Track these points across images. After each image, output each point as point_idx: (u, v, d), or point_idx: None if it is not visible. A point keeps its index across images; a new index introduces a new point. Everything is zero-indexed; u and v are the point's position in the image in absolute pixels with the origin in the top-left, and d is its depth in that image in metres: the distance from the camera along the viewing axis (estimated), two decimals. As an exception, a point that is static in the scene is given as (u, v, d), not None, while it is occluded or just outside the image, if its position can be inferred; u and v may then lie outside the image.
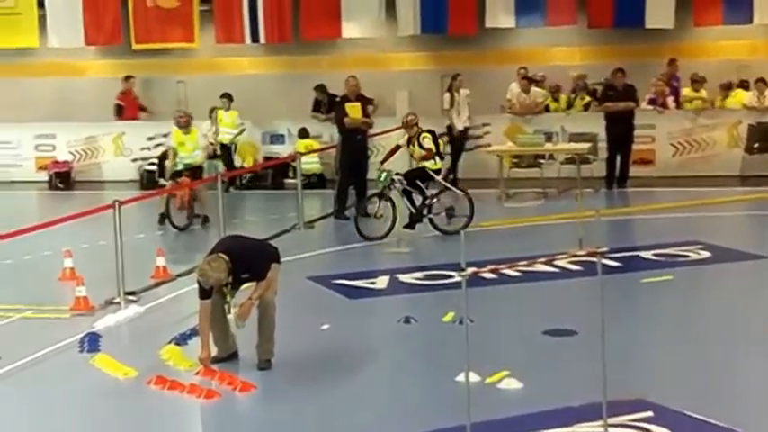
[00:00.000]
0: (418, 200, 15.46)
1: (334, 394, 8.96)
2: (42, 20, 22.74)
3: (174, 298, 12.44)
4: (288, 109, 23.32)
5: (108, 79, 25.04)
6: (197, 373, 9.40)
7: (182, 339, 10.51)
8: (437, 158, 15.48)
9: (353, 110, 17.77)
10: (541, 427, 7.80)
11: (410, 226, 15.31)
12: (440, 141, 15.97)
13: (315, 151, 21.31)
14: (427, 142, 15.29)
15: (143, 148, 23.33)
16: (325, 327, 10.91)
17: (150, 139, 23.22)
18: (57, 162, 23.48)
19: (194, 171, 17.02)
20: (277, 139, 23.09)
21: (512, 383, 8.83)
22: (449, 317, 10.93)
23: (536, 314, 11.23)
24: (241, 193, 21.52)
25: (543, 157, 20.41)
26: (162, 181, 21.21)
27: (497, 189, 19.24)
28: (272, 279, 9.55)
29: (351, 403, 8.77)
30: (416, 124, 15.52)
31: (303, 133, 22.08)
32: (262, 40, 22.42)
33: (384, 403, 8.74)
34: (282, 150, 22.62)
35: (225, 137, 21.98)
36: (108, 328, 11.14)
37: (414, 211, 15.32)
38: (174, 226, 16.78)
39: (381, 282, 12.96)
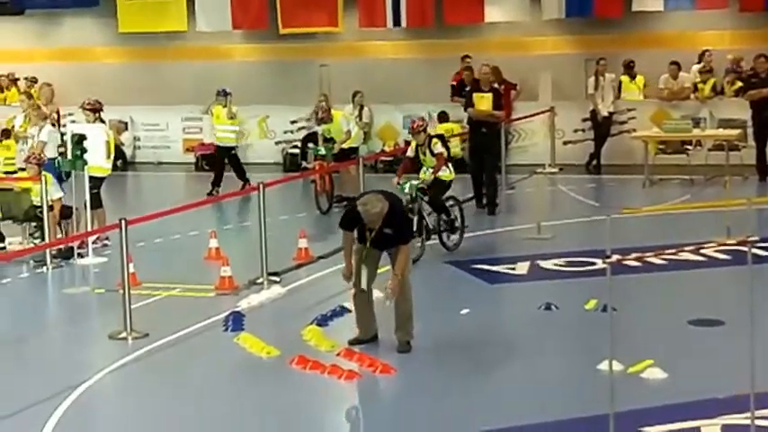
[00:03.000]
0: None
1: (473, 380, 8.93)
2: (191, 4, 23.21)
3: (315, 279, 12.57)
4: (429, 93, 23.27)
5: (253, 63, 25.43)
6: (338, 354, 9.49)
7: (323, 320, 10.63)
8: (449, 167, 13.75)
9: (482, 101, 16.58)
10: (685, 418, 7.66)
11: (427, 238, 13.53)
12: (449, 145, 14.38)
13: (453, 136, 21.16)
14: (438, 147, 13.52)
15: (286, 131, 23.63)
16: (465, 312, 10.89)
17: (293, 122, 23.51)
18: (203, 144, 23.93)
19: (347, 154, 17.25)
20: (418, 122, 23.08)
21: (655, 373, 8.69)
22: (591, 304, 10.79)
23: (681, 303, 11.02)
24: (382, 177, 21.59)
25: (690, 143, 19.98)
26: (305, 164, 21.45)
27: (642, 175, 18.91)
28: (408, 255, 9.61)
29: (490, 389, 8.73)
30: (424, 130, 13.76)
31: (443, 117, 22.03)
32: (404, 23, 22.46)
33: (524, 390, 8.68)
34: (423, 134, 22.60)
35: (223, 136, 20.06)
36: (251, 308, 11.33)
37: (432, 226, 13.62)
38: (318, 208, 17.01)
39: (522, 267, 12.86)
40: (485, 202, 16.73)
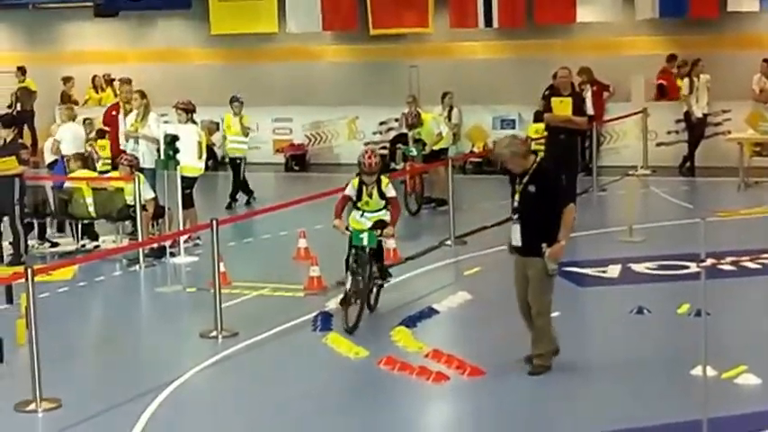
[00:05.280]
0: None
1: (563, 384, 8.85)
2: (281, 5, 23.36)
3: (404, 280, 12.53)
4: (519, 93, 23.14)
5: (343, 64, 25.52)
6: (426, 356, 9.47)
7: (411, 322, 10.62)
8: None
9: (561, 105, 15.39)
10: (781, 425, 7.52)
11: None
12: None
13: (537, 139, 20.74)
14: (391, 190, 11.07)
15: (374, 132, 23.67)
16: (555, 315, 10.75)
17: (382, 123, 23.54)
18: (293, 145, 24.09)
19: (437, 154, 17.25)
20: (508, 123, 22.96)
21: (750, 379, 8.55)
22: (684, 308, 10.63)
23: (777, 308, 10.80)
24: (471, 178, 21.50)
25: (787, 145, 19.58)
26: (393, 165, 21.44)
27: (737, 178, 18.56)
28: (571, 218, 9.19)
29: (580, 393, 8.66)
30: (379, 170, 11.11)
31: (538, 116, 21.84)
32: (495, 24, 22.31)
33: (615, 395, 8.58)
34: (513, 135, 22.48)
35: (234, 147, 19.42)
36: (339, 309, 11.33)
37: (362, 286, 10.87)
38: (407, 209, 16.98)
39: (613, 270, 12.71)
40: None
